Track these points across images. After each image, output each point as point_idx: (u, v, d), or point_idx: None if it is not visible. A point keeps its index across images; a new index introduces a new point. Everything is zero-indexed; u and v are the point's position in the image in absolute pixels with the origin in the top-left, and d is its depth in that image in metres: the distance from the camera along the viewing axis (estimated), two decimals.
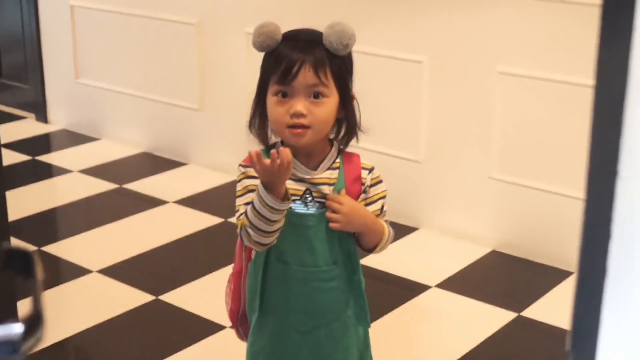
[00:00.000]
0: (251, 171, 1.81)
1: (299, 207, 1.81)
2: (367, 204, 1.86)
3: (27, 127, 4.84)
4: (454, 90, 3.35)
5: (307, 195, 1.81)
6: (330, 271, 1.85)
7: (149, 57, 4.29)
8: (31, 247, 3.34)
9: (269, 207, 1.71)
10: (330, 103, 1.77)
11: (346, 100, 1.82)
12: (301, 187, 1.80)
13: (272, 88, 1.78)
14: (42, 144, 4.64)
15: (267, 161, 1.67)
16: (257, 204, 1.73)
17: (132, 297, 3.03)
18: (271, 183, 1.71)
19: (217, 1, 3.96)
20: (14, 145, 4.53)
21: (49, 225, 3.68)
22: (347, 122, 1.86)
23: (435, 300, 3.01)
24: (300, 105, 1.75)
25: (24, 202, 3.82)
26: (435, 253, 3.36)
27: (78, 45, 4.58)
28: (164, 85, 4.27)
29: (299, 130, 1.76)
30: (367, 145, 3.59)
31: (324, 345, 1.87)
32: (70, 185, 4.07)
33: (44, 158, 4.39)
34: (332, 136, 1.88)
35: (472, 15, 3.23)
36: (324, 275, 1.85)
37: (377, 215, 1.87)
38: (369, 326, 1.95)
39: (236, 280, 1.98)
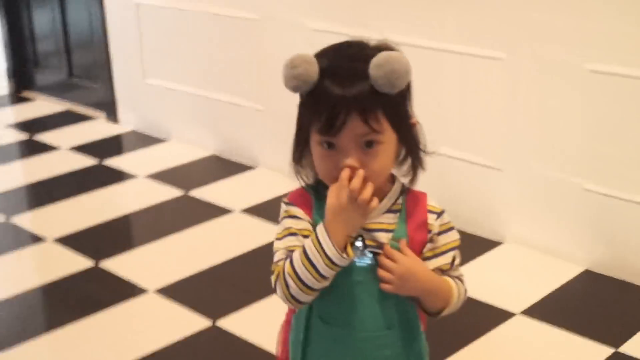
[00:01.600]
0: (295, 210, 1.50)
1: (354, 260, 1.47)
2: (434, 256, 1.52)
3: (98, 128, 4.66)
4: (538, 90, 2.95)
5: (359, 244, 1.46)
6: (382, 337, 1.51)
7: (214, 56, 4.03)
8: (88, 263, 3.14)
9: (325, 257, 1.40)
10: (387, 149, 1.44)
11: (406, 134, 1.47)
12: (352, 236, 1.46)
13: (315, 137, 1.45)
14: (110, 146, 4.44)
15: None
16: (310, 250, 1.41)
17: (188, 322, 2.76)
18: (340, 223, 1.40)
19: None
20: (84, 148, 4.35)
21: (109, 236, 3.43)
22: (410, 156, 1.50)
23: (518, 331, 2.64)
24: (350, 159, 1.41)
25: (86, 210, 3.63)
26: (520, 273, 2.98)
27: (144, 45, 4.36)
28: (229, 85, 4.01)
29: None
30: (442, 151, 3.25)
31: None
32: (135, 192, 3.85)
33: (111, 162, 4.17)
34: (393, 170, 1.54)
35: (558, 8, 2.84)
36: (375, 342, 1.51)
37: (446, 270, 1.53)
38: None
39: (286, 329, 1.67)
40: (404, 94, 1.46)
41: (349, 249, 1.42)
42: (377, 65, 1.38)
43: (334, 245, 1.39)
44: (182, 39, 4.16)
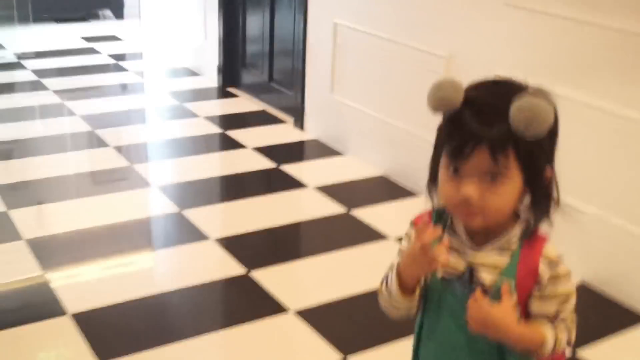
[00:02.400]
0: (412, 232, 1.38)
1: (457, 288, 1.32)
2: (540, 299, 1.29)
3: (285, 132, 4.42)
4: None
5: (467, 275, 1.31)
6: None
7: (398, 83, 3.66)
8: (241, 270, 2.88)
9: (390, 293, 1.34)
10: (509, 188, 1.25)
11: (535, 180, 1.27)
12: (462, 264, 1.31)
13: (444, 159, 1.29)
14: (291, 151, 4.19)
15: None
16: (388, 280, 1.35)
17: (318, 353, 2.44)
18: (409, 266, 1.30)
19: (469, 38, 3.22)
20: (267, 150, 4.12)
21: (265, 245, 3.17)
22: (535, 202, 1.29)
23: None
24: (470, 189, 1.24)
25: (249, 215, 3.37)
26: None
27: (336, 62, 4.05)
28: (408, 113, 3.62)
29: (469, 215, 1.27)
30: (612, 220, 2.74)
31: None
32: (301, 202, 3.56)
33: (287, 168, 3.91)
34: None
35: None
36: None
37: (552, 319, 1.30)
38: None
39: None
40: (545, 146, 1.26)
41: (417, 291, 1.33)
42: (518, 108, 1.20)
43: (397, 286, 1.32)
44: (371, 63, 3.81)
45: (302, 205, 3.52)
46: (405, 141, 3.65)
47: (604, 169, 2.72)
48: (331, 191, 3.59)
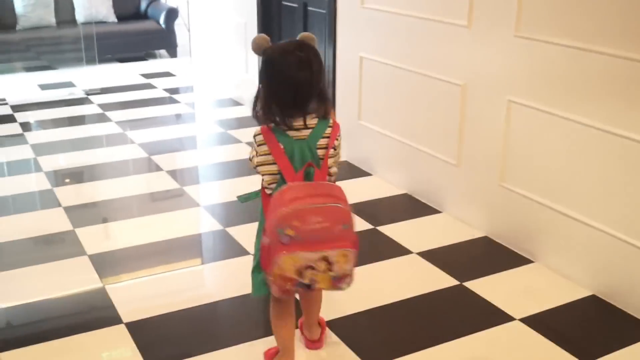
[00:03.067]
0: None
1: None
2: None
3: None
4: None
5: None
6: None
7: (418, 110, 3.55)
8: None
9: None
10: None
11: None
12: None
13: None
14: None
15: None
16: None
17: (343, 358, 2.32)
18: None
19: (483, 68, 3.10)
20: None
21: None
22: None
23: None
24: None
25: None
26: None
27: (363, 91, 3.95)
28: (428, 137, 3.50)
29: None
30: (593, 223, 2.59)
31: None
32: None
33: None
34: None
35: None
36: None
37: None
38: None
39: None
40: (262, 66, 1.93)
41: None
42: None
43: None
44: (394, 92, 3.71)
45: None
46: (426, 162, 3.53)
47: (608, 186, 2.57)
48: (359, 208, 3.48)
